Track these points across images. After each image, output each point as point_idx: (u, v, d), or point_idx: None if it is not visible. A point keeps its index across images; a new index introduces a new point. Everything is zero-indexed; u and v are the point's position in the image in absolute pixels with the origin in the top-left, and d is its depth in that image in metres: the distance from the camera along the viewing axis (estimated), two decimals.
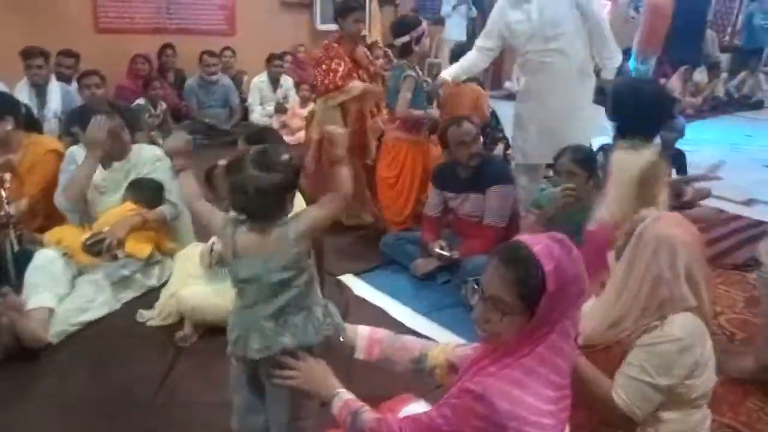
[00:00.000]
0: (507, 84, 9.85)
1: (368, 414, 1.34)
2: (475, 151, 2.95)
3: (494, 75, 10.20)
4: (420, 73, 3.55)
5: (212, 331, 2.44)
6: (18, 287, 2.50)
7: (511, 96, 9.27)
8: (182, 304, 2.50)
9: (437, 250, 3.02)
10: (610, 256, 1.67)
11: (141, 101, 5.45)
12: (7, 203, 2.70)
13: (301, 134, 5.95)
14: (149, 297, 2.74)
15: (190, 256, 2.67)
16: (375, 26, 8.62)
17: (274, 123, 6.32)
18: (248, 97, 6.50)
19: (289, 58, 6.96)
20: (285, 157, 1.47)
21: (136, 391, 2.15)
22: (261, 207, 1.46)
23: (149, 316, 2.62)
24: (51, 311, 2.43)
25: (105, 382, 2.21)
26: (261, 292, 1.49)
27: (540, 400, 1.17)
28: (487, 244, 2.79)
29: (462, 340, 2.46)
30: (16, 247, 2.66)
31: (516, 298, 1.18)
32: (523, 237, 1.27)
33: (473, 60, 3.50)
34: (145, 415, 2.04)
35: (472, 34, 8.55)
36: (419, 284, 3.05)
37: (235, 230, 1.50)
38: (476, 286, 2.80)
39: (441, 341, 2.43)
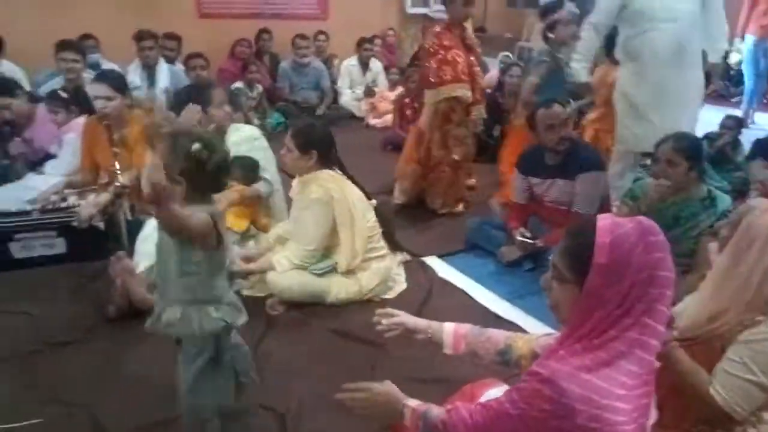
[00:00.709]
0: None
1: (436, 410, 1.35)
2: (565, 135, 2.87)
3: None
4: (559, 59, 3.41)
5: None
6: (129, 253, 2.71)
7: None
8: (272, 285, 2.62)
9: (519, 237, 2.98)
10: (712, 246, 1.60)
11: (239, 84, 5.70)
12: (120, 175, 2.93)
13: (389, 117, 6.01)
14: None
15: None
16: None
17: (363, 106, 6.43)
18: (338, 80, 6.63)
19: (378, 41, 7.02)
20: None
21: None
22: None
23: (244, 286, 2.77)
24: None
25: None
26: None
27: (613, 384, 1.13)
28: None
29: (547, 328, 2.47)
30: (129, 216, 2.89)
31: (567, 266, 1.18)
32: (604, 215, 1.24)
33: (591, 40, 3.26)
34: None
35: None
36: (504, 270, 3.03)
37: None
38: None
39: (526, 327, 2.46)
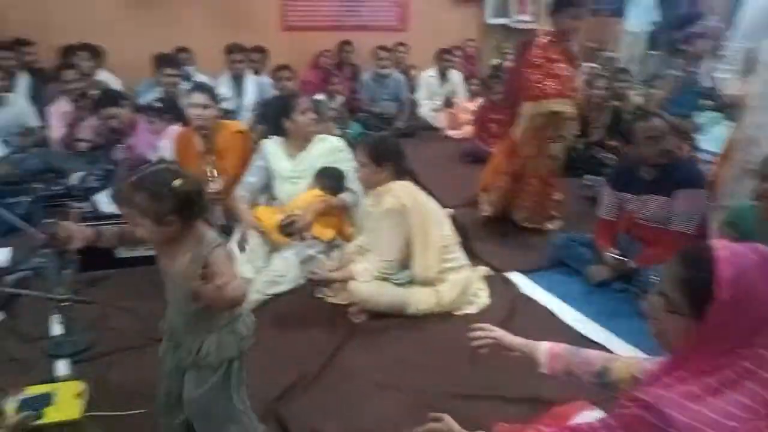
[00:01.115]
0: None
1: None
2: (665, 149, 2.76)
3: None
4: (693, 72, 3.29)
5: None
6: None
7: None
8: (355, 295, 2.66)
9: (609, 255, 2.89)
10: None
11: (321, 96, 5.85)
12: (212, 182, 3.08)
13: (468, 129, 5.99)
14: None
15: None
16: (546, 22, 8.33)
17: (442, 117, 6.44)
18: (417, 91, 6.68)
19: (458, 52, 7.02)
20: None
21: (312, 359, 2.33)
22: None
23: (328, 294, 2.84)
24: (249, 281, 2.74)
25: (287, 349, 2.42)
26: None
27: (722, 415, 1.07)
28: (672, 253, 2.60)
29: (637, 351, 2.39)
30: (222, 221, 3.03)
31: (681, 297, 1.12)
32: (719, 241, 1.19)
33: (743, 52, 3.02)
34: (311, 384, 2.20)
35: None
36: (592, 289, 2.95)
37: None
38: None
39: (614, 350, 2.38)
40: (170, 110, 3.83)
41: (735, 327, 1.09)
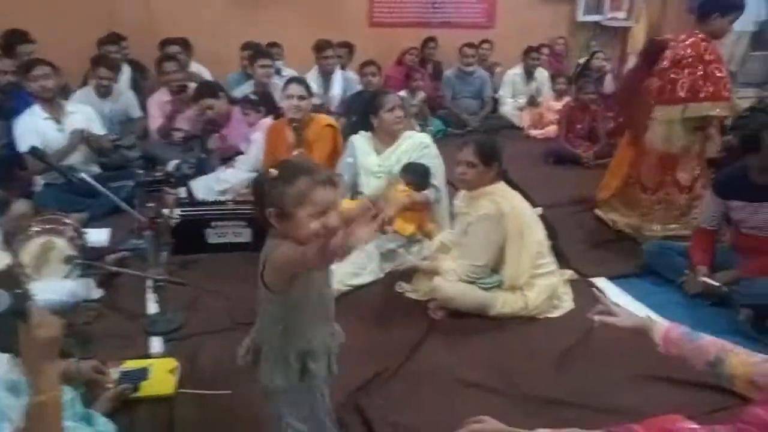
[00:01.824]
0: None
1: None
2: None
3: None
4: None
5: None
6: None
7: None
8: (438, 293, 2.63)
9: (703, 278, 2.72)
10: None
11: (403, 92, 5.85)
12: None
13: (552, 128, 5.83)
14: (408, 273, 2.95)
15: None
16: (641, 20, 7.97)
17: (525, 116, 6.29)
18: (500, 88, 6.56)
19: (546, 50, 6.84)
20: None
21: (391, 353, 2.33)
22: None
23: (407, 289, 2.84)
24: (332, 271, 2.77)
25: (367, 341, 2.42)
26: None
27: None
28: None
29: None
30: None
31: None
32: None
33: None
34: (391, 377, 2.20)
35: None
36: (685, 301, 2.79)
37: None
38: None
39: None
40: (264, 103, 3.95)
41: None
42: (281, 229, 1.41)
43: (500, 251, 2.63)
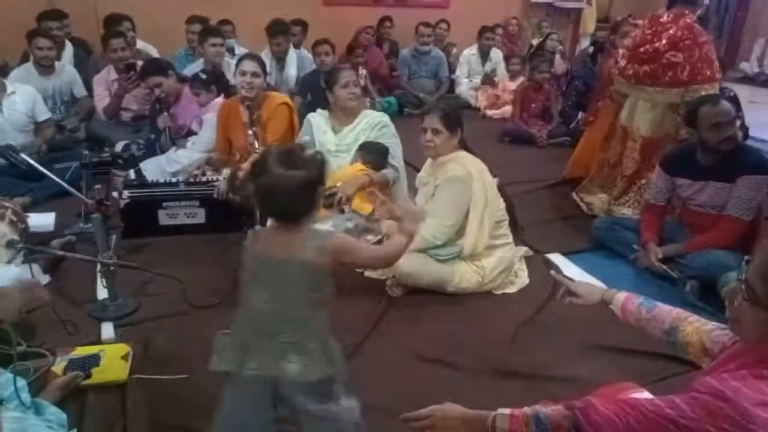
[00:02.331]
0: (743, 65, 8.70)
1: (545, 409, 1.25)
2: (730, 135, 2.63)
3: (727, 55, 9.06)
4: None
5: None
6: (262, 226, 2.85)
7: (746, 79, 8.22)
8: (397, 269, 2.61)
9: (656, 262, 2.79)
10: None
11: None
12: (257, 152, 3.08)
13: (507, 108, 5.89)
14: None
15: None
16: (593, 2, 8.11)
17: (480, 96, 6.34)
18: (456, 69, 6.57)
19: (500, 30, 6.88)
20: (309, 152, 1.42)
21: (351, 332, 2.29)
22: (290, 206, 1.40)
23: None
24: None
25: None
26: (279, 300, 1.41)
27: None
28: (725, 239, 2.53)
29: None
30: None
31: (764, 292, 1.10)
32: None
33: None
34: (351, 355, 2.16)
35: None
36: (635, 273, 2.89)
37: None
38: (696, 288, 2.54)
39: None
40: (216, 83, 3.83)
41: None
42: None
43: (463, 217, 2.63)
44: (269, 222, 1.49)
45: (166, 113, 3.78)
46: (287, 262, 1.40)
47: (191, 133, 3.77)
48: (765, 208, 2.73)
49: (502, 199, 2.73)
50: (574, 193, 3.73)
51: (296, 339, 1.40)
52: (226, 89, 3.84)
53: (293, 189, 1.36)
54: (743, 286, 1.15)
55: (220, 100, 3.70)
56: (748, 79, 8.22)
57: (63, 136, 4.12)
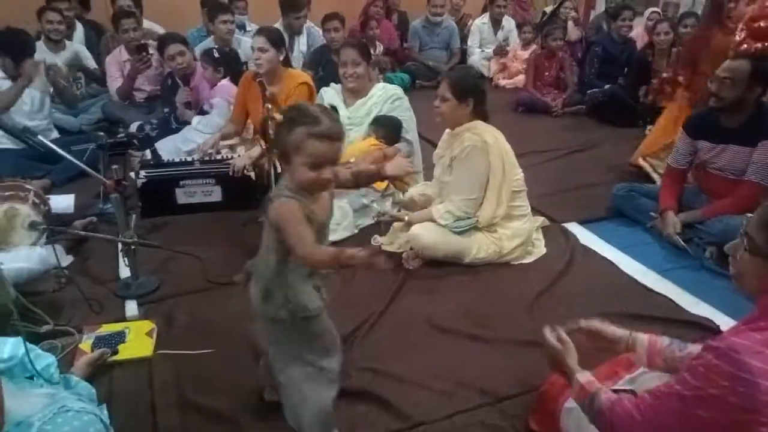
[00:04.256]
0: None
1: (603, 395, 1.32)
2: (721, 95, 2.60)
3: None
4: None
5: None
6: None
7: None
8: (415, 241, 2.62)
9: (671, 233, 2.75)
10: None
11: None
12: (271, 130, 3.08)
13: (520, 78, 5.81)
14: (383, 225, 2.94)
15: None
16: None
17: (493, 65, 6.25)
18: (468, 39, 6.48)
19: None
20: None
21: (369, 304, 2.33)
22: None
23: (382, 241, 2.84)
24: None
25: (345, 293, 2.39)
26: None
27: None
28: (743, 204, 2.49)
29: (703, 304, 2.33)
30: (279, 169, 3.04)
31: (763, 240, 1.14)
32: None
33: None
34: (371, 329, 2.21)
35: None
36: (653, 239, 2.86)
37: None
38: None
39: (679, 302, 2.33)
40: (226, 65, 3.78)
41: None
42: (286, 169, 1.44)
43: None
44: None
45: (187, 87, 3.79)
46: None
47: (203, 112, 3.77)
48: None
49: (519, 169, 2.71)
50: (641, 158, 3.60)
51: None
52: (235, 74, 3.77)
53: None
54: (744, 239, 1.18)
55: (225, 82, 3.69)
56: None
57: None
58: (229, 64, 3.80)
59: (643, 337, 1.54)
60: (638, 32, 5.71)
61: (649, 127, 4.20)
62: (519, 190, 2.69)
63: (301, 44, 5.22)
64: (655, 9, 6.22)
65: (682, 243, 2.71)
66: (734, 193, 2.66)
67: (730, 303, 2.23)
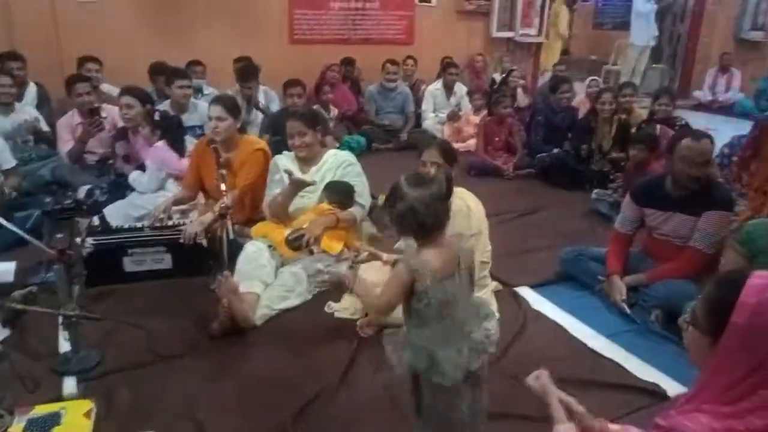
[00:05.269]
0: (696, 93, 9.06)
1: None
2: (699, 176, 2.67)
3: (681, 84, 9.45)
4: None
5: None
6: (229, 271, 2.82)
7: (700, 106, 8.55)
8: (361, 286, 2.55)
9: (617, 300, 2.82)
10: None
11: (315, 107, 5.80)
12: (225, 195, 3.06)
13: (472, 142, 5.99)
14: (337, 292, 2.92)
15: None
16: (561, 23, 8.41)
17: (446, 130, 6.44)
18: (422, 103, 6.69)
19: (463, 66, 7.04)
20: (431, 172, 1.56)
21: (323, 375, 2.30)
22: (433, 219, 1.57)
23: (336, 308, 2.81)
24: (258, 297, 2.72)
25: (298, 365, 2.38)
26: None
27: None
28: (686, 269, 2.59)
29: (650, 368, 2.36)
30: (231, 236, 3.00)
31: (705, 315, 1.16)
32: (763, 272, 1.17)
33: None
34: (328, 400, 2.17)
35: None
36: (601, 304, 2.92)
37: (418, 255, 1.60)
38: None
39: (627, 366, 2.36)
40: (165, 130, 3.75)
41: (747, 356, 1.08)
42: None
43: None
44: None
45: (125, 141, 3.78)
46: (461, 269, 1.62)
47: (143, 166, 3.74)
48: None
49: (488, 241, 2.75)
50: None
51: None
52: (173, 141, 3.75)
53: (429, 204, 1.55)
54: (691, 315, 1.21)
55: (161, 145, 3.69)
56: (702, 107, 8.54)
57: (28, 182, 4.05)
58: (167, 129, 3.77)
59: (614, 428, 1.44)
60: (580, 99, 6.02)
61: (595, 190, 4.38)
62: (486, 261, 2.73)
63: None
64: (595, 77, 6.59)
65: (627, 309, 2.78)
66: (678, 258, 2.75)
67: (676, 367, 2.28)
